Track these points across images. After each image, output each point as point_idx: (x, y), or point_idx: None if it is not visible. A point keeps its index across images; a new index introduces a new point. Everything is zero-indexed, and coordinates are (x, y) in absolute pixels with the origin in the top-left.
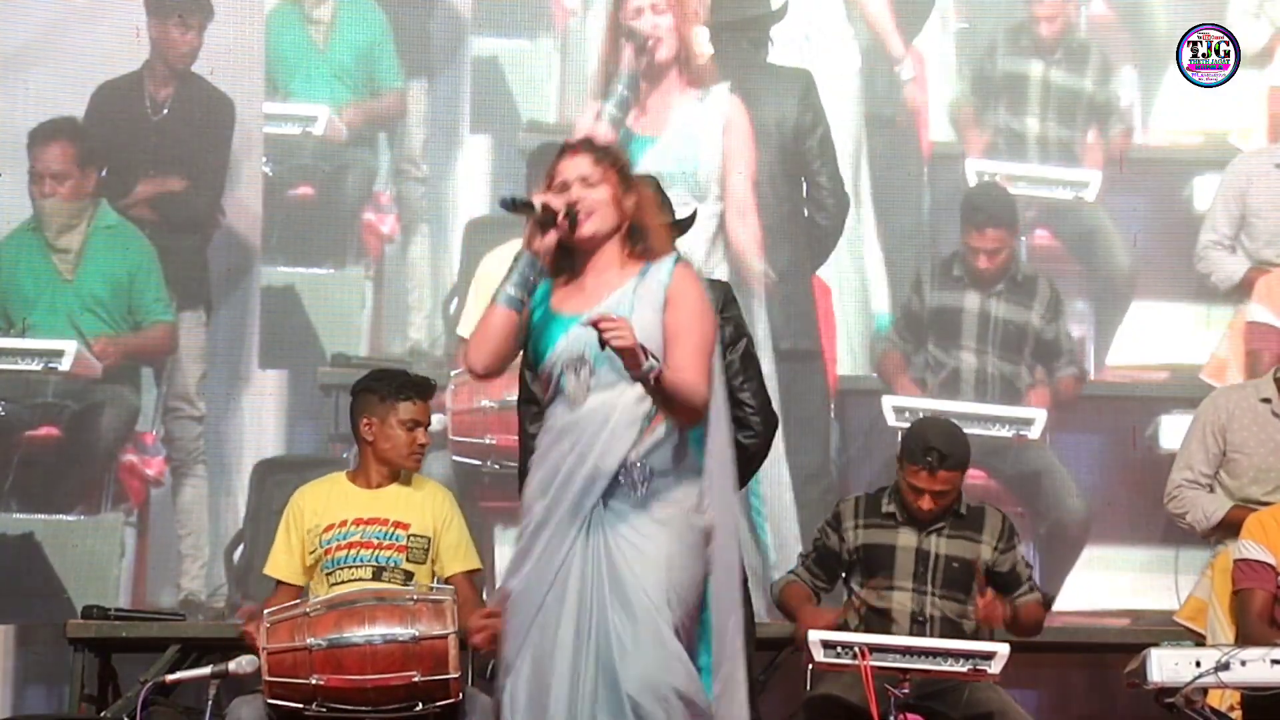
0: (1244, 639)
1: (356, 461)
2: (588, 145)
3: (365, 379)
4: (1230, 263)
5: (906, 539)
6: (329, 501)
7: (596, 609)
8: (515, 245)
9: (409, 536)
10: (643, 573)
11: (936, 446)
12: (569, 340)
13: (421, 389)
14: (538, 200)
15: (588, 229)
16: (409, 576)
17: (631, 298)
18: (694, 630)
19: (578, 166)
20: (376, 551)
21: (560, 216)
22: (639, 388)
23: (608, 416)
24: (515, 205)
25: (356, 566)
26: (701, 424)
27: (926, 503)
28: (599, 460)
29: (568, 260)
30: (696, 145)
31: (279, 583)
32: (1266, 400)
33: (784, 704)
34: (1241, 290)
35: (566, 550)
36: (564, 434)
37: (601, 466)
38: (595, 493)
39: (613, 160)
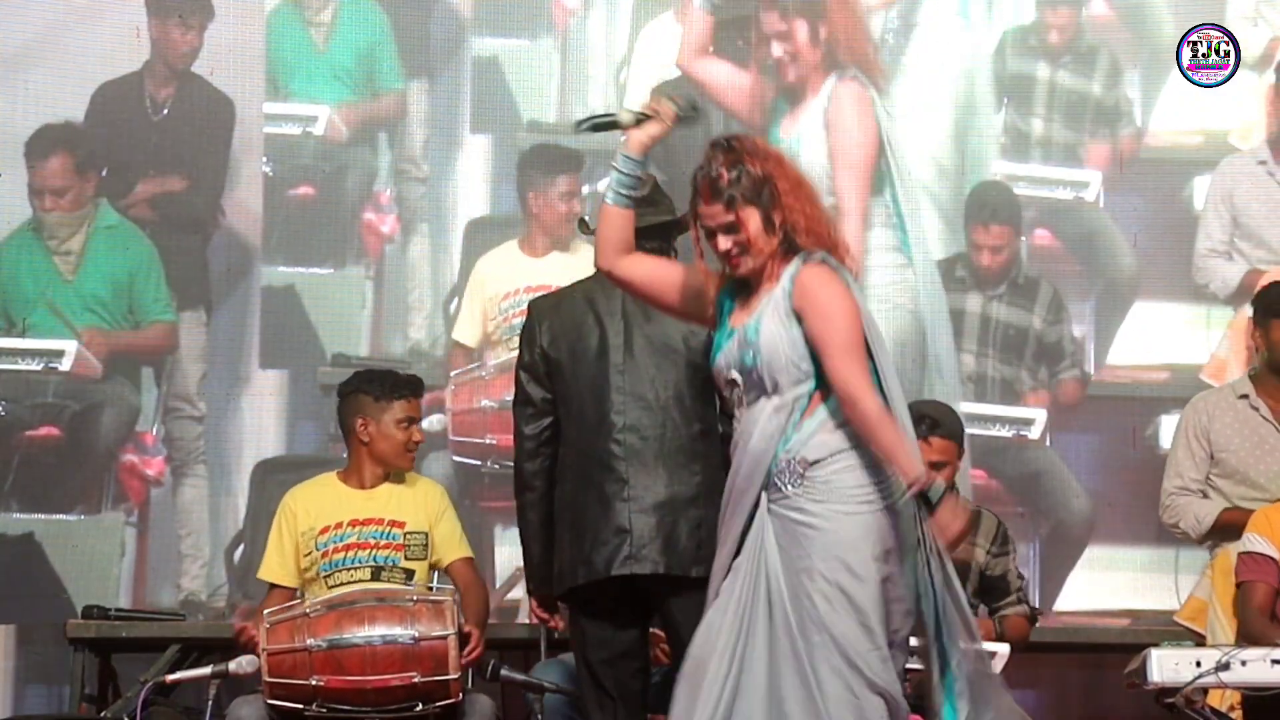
0: (1243, 632)
1: (347, 462)
2: (714, 192)
3: (354, 381)
4: (1226, 269)
5: None
6: (322, 504)
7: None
8: (511, 247)
9: (406, 534)
10: (781, 569)
11: (928, 414)
12: (725, 355)
13: (414, 387)
14: (628, 114)
15: (744, 268)
16: (409, 575)
17: (763, 313)
18: (877, 611)
19: (716, 216)
20: (374, 551)
21: (664, 115)
22: (775, 399)
23: (751, 432)
24: (596, 126)
25: (355, 568)
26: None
27: None
28: (750, 473)
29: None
30: (800, 147)
31: (272, 586)
32: (1244, 396)
33: None
34: (1240, 294)
35: (734, 546)
36: (734, 447)
37: (754, 478)
38: (750, 497)
39: (743, 193)
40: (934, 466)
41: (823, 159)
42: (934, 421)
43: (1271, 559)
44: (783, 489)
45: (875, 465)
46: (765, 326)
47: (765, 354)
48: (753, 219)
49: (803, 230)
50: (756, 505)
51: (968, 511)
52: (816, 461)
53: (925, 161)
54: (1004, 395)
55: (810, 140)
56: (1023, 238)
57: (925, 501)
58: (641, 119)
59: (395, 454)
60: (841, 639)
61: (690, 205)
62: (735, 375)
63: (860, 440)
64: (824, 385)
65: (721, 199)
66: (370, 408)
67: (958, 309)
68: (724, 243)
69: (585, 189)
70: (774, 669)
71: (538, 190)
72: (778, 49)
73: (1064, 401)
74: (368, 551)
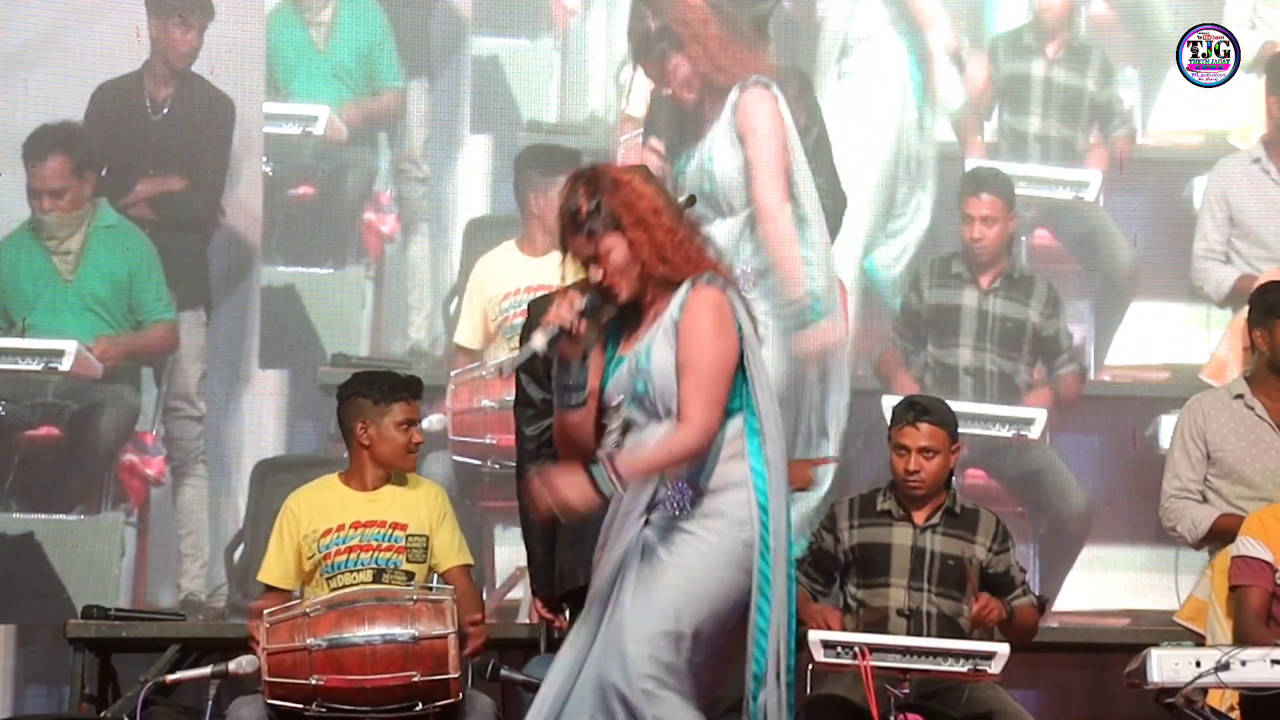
0: (1240, 637)
1: (348, 464)
2: (576, 226)
3: (352, 384)
4: (1220, 272)
5: (902, 537)
6: (325, 506)
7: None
8: (509, 247)
9: (407, 537)
10: (655, 582)
11: (918, 402)
12: (615, 383)
13: (413, 388)
14: (539, 339)
15: (624, 295)
16: (409, 577)
17: (653, 340)
18: (721, 640)
19: (581, 249)
20: (376, 554)
21: (575, 326)
22: (666, 424)
23: None
24: (518, 367)
25: (357, 570)
26: (756, 435)
27: (913, 462)
28: (635, 493)
29: (634, 307)
30: (713, 163)
31: (269, 588)
32: (1240, 396)
33: None
34: (1234, 297)
35: (615, 568)
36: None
37: (639, 499)
38: (635, 516)
39: (604, 222)
40: (923, 452)
41: (736, 171)
42: (923, 408)
43: (1265, 563)
44: (669, 510)
45: (752, 500)
46: (655, 353)
47: (656, 380)
48: (617, 247)
49: (655, 260)
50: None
51: (589, 499)
52: (712, 491)
53: (931, 157)
54: (1002, 390)
55: (721, 154)
56: (1022, 238)
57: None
58: (554, 337)
59: (396, 456)
60: (657, 599)
61: (559, 241)
62: (623, 401)
63: (745, 476)
64: None
65: (583, 231)
66: (370, 411)
67: (954, 305)
68: (594, 274)
69: None
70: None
71: (538, 190)
72: (664, 91)
73: (1064, 397)
74: (370, 554)
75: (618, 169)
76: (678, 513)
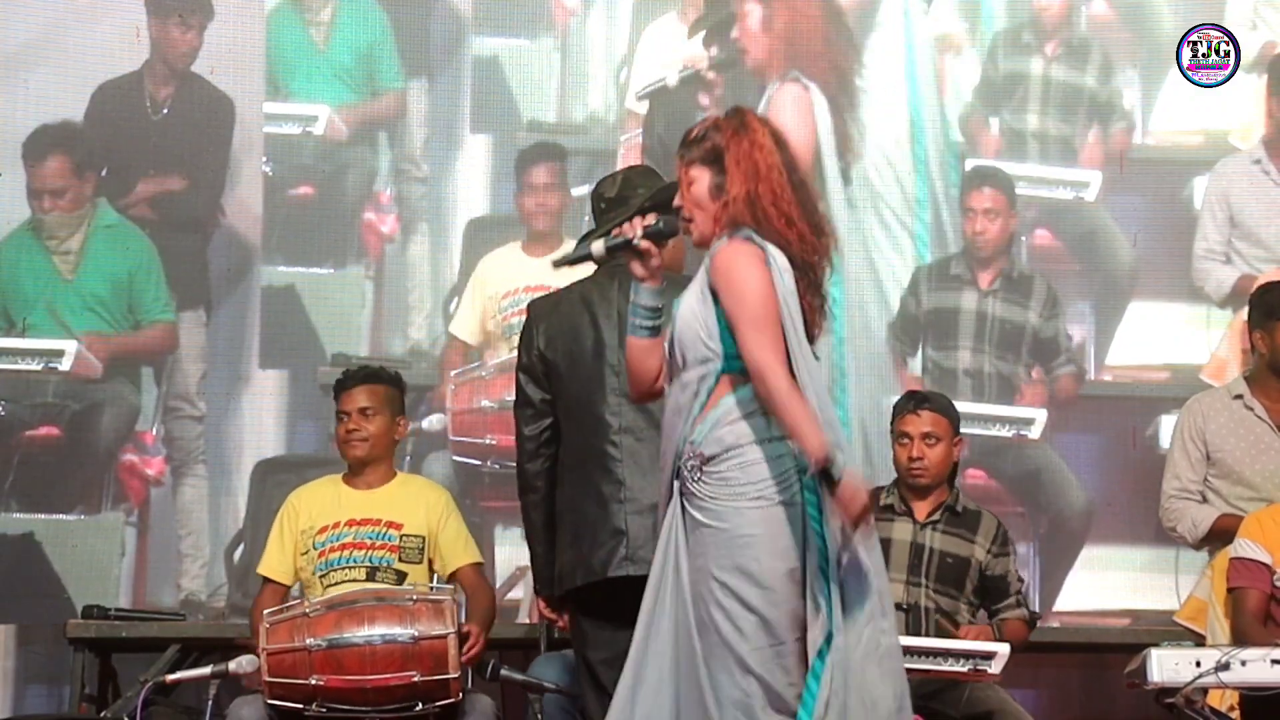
0: (1238, 638)
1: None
2: (681, 147)
3: None
4: (1220, 272)
5: (902, 532)
6: (324, 503)
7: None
8: (514, 247)
9: (402, 536)
10: (686, 565)
11: (918, 391)
12: (666, 333)
13: (360, 377)
14: (599, 244)
15: (695, 235)
16: (402, 577)
17: (691, 289)
18: (774, 608)
19: (676, 168)
20: (369, 552)
21: (637, 240)
22: (684, 375)
23: (666, 408)
24: (572, 261)
25: (350, 568)
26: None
27: (916, 449)
28: (664, 450)
29: None
30: None
31: (267, 580)
32: (1239, 397)
33: None
34: (1234, 297)
35: (668, 534)
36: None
37: (667, 454)
38: (668, 473)
39: (702, 154)
40: (925, 438)
41: None
42: (923, 397)
43: (1263, 564)
44: (686, 481)
45: (774, 459)
46: (684, 300)
47: (680, 328)
48: (702, 179)
49: (743, 206)
50: (672, 492)
51: (869, 490)
52: (713, 457)
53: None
54: (1000, 392)
55: None
56: (1022, 238)
57: (827, 478)
58: (614, 246)
59: (341, 448)
60: (731, 640)
61: None
62: (667, 349)
63: (760, 435)
64: (731, 371)
65: (679, 152)
66: (336, 409)
67: (953, 307)
68: (678, 199)
69: (575, 191)
70: (676, 667)
71: (520, 189)
72: (734, 31)
73: (1061, 397)
74: (363, 552)
75: (759, 120)
76: (691, 482)
